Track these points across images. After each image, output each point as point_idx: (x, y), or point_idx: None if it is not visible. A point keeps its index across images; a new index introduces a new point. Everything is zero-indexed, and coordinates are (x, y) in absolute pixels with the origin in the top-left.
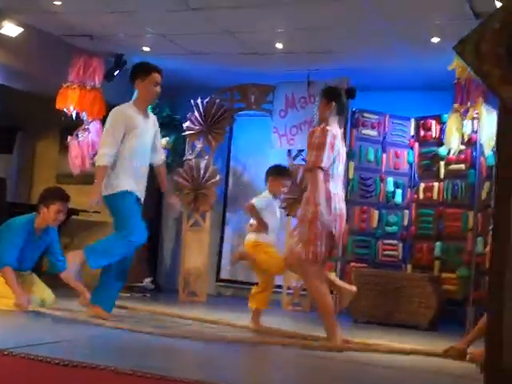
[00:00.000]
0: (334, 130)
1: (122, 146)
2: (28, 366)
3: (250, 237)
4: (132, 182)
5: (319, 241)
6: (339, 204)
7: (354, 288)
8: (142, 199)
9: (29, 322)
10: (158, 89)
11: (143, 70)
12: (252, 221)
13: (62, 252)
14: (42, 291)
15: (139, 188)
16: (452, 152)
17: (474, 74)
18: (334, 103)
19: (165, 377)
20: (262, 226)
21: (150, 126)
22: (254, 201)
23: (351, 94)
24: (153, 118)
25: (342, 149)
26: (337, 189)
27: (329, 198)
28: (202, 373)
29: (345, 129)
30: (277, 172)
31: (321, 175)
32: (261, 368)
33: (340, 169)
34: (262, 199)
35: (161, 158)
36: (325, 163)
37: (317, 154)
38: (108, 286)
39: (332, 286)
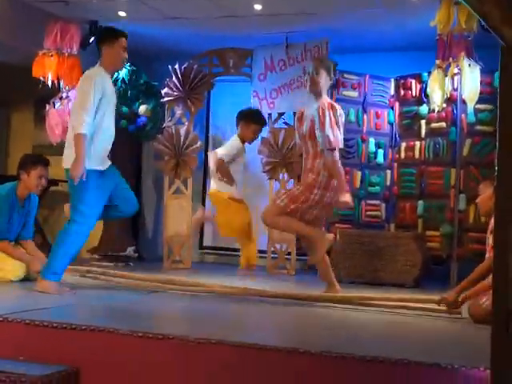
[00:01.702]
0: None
1: (96, 113)
2: (25, 330)
3: (214, 186)
4: (102, 157)
5: (304, 204)
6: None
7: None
8: (108, 164)
9: (20, 290)
10: (126, 54)
11: (110, 35)
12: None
13: (33, 225)
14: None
15: (107, 159)
16: (436, 109)
17: (476, 15)
18: (329, 77)
19: (167, 335)
20: (229, 181)
21: (114, 89)
22: (222, 154)
23: (335, 66)
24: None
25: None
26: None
27: (327, 170)
28: (203, 331)
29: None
30: (249, 117)
31: (337, 154)
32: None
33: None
34: (231, 150)
35: None
36: (340, 143)
37: (332, 134)
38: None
39: (306, 243)
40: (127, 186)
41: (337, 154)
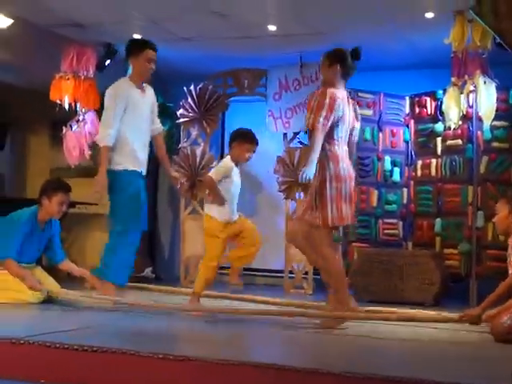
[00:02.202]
0: (338, 93)
1: (124, 123)
2: (45, 353)
3: (207, 211)
4: (132, 159)
5: (329, 205)
6: (346, 164)
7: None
8: (145, 170)
9: (41, 312)
10: (153, 65)
11: (137, 46)
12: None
13: (61, 245)
14: (49, 283)
15: (140, 162)
16: (452, 127)
17: (492, 31)
18: (338, 66)
19: (188, 357)
20: (219, 200)
21: (146, 100)
22: (213, 173)
23: (356, 55)
24: (150, 91)
25: (348, 112)
26: (342, 150)
27: (337, 161)
28: (225, 353)
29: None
30: (242, 136)
31: (319, 136)
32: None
33: (344, 133)
34: (222, 169)
35: (157, 127)
36: (322, 123)
37: (314, 116)
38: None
39: None
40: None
41: (317, 133)
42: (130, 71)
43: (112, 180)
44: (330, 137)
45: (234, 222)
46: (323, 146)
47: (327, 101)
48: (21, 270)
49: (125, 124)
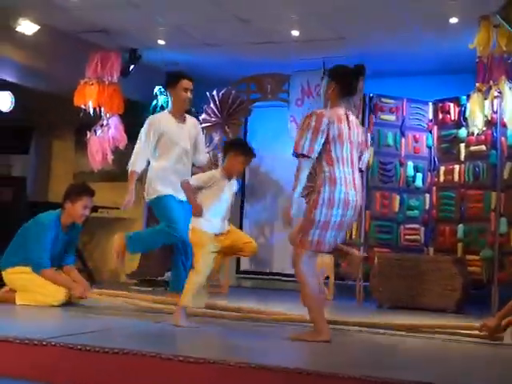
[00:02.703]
0: (330, 112)
1: (158, 152)
2: (67, 354)
3: (191, 223)
4: (170, 187)
5: (312, 230)
6: (347, 188)
7: (360, 253)
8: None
9: (63, 314)
10: (189, 94)
11: (173, 78)
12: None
13: (74, 251)
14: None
15: (179, 190)
16: (476, 132)
17: None
18: (334, 83)
19: (207, 360)
20: (195, 209)
21: (186, 130)
22: (192, 178)
23: (360, 73)
24: (192, 121)
25: (345, 130)
26: (344, 173)
27: (333, 184)
28: (240, 356)
29: (363, 114)
30: (238, 148)
31: (304, 164)
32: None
33: (346, 152)
34: (202, 177)
35: (201, 159)
36: (306, 149)
37: (297, 139)
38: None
39: (339, 253)
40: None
41: (301, 161)
42: (170, 105)
43: (154, 206)
44: (328, 157)
45: (221, 235)
46: (321, 167)
47: (312, 123)
48: (59, 276)
49: (161, 156)
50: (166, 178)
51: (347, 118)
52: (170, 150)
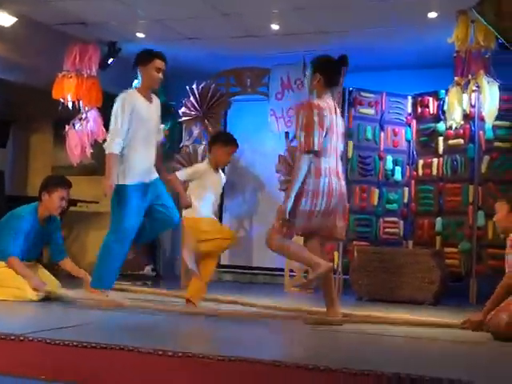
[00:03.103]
0: (323, 102)
1: (129, 132)
2: (45, 349)
3: (184, 214)
4: (139, 171)
5: (297, 218)
6: (330, 178)
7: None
8: (153, 178)
9: (40, 310)
10: (161, 75)
11: (145, 56)
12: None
13: (62, 242)
14: (48, 280)
15: (147, 172)
16: (454, 126)
17: (494, 31)
18: (318, 75)
19: (186, 353)
20: (184, 200)
21: (153, 110)
22: (179, 172)
23: (343, 63)
24: (156, 101)
25: (335, 121)
26: (329, 163)
27: (317, 175)
28: (224, 350)
29: (342, 108)
30: (223, 139)
31: (306, 162)
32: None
33: (333, 142)
34: (189, 171)
35: (158, 137)
36: (316, 146)
37: (307, 137)
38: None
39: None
40: (166, 200)
41: (305, 158)
42: (138, 81)
43: (117, 192)
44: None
45: (208, 226)
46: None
47: (316, 118)
48: (25, 269)
49: (132, 135)
50: (134, 158)
51: (334, 108)
52: (139, 128)
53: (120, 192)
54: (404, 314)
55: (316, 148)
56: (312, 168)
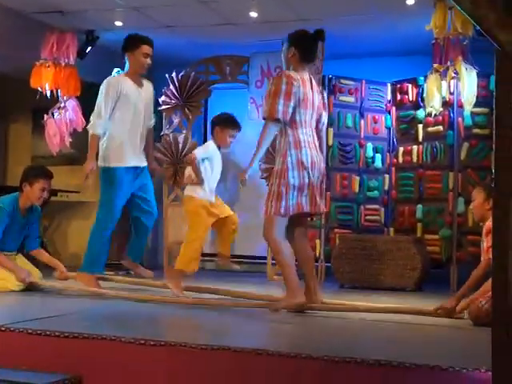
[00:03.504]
0: (297, 75)
1: (116, 115)
2: (27, 339)
3: (187, 192)
4: (126, 154)
5: (289, 193)
6: (310, 151)
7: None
8: (142, 164)
9: (22, 299)
10: (149, 60)
11: (132, 42)
12: (189, 172)
13: (38, 233)
14: (30, 270)
15: (135, 156)
16: (433, 113)
17: (470, 19)
18: (293, 48)
19: (168, 342)
20: (199, 180)
21: (143, 94)
22: (197, 152)
23: (319, 36)
24: (148, 87)
25: (310, 95)
26: (306, 135)
27: (298, 147)
28: (202, 338)
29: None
30: (225, 121)
31: (273, 128)
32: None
33: (308, 115)
34: (206, 150)
35: (149, 123)
36: (280, 113)
37: (271, 103)
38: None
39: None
40: (148, 192)
41: (270, 125)
42: (126, 67)
43: (103, 172)
44: (291, 121)
45: (213, 204)
46: (285, 131)
47: (283, 86)
48: (8, 261)
49: (119, 118)
50: (122, 142)
51: (311, 82)
52: (127, 112)
53: (108, 174)
54: (385, 300)
55: (278, 116)
56: (291, 140)
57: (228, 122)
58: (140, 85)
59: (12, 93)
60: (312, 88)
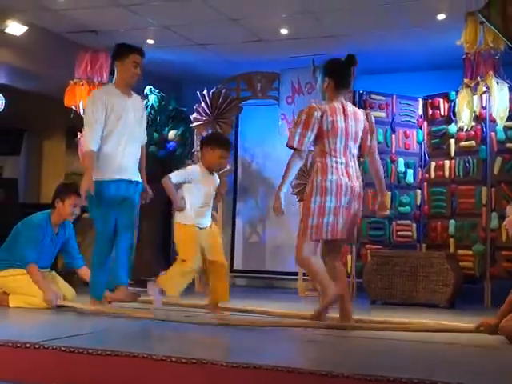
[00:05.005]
0: (326, 105)
1: (104, 128)
2: (60, 357)
3: (176, 219)
4: (117, 167)
5: (310, 218)
6: (338, 176)
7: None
8: (136, 178)
9: (55, 317)
10: (138, 70)
11: (121, 51)
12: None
13: (78, 249)
14: (64, 288)
15: (126, 169)
16: (464, 128)
17: (500, 35)
18: (327, 78)
19: (200, 360)
20: (175, 204)
21: (132, 105)
22: (172, 174)
23: (352, 62)
24: (137, 98)
25: (345, 122)
26: (335, 163)
27: (325, 173)
28: (233, 357)
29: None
30: (215, 142)
31: (294, 158)
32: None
33: (342, 143)
34: (182, 173)
35: (142, 139)
36: (296, 143)
37: (290, 133)
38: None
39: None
40: (127, 217)
41: (292, 154)
42: (115, 76)
43: (94, 186)
44: (320, 149)
45: (205, 229)
46: (314, 159)
47: (303, 118)
48: (42, 280)
49: (107, 130)
50: (112, 156)
51: (343, 109)
52: (115, 124)
53: (96, 189)
54: (419, 317)
55: (294, 145)
56: (319, 167)
57: (218, 143)
58: (128, 95)
59: (47, 111)
60: (346, 115)
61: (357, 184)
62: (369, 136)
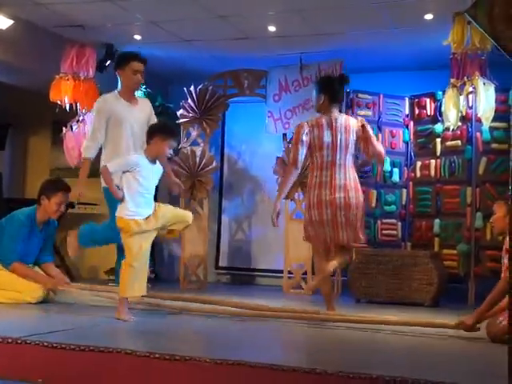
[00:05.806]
0: (315, 121)
1: (109, 135)
2: (43, 352)
3: (116, 213)
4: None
5: (309, 226)
6: (320, 191)
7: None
8: None
9: (38, 312)
10: (139, 76)
11: (122, 59)
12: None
13: (52, 247)
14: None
15: None
16: (451, 127)
17: (487, 35)
18: (322, 95)
19: (183, 357)
20: (114, 194)
21: (137, 112)
22: (109, 165)
23: (344, 80)
24: (143, 103)
25: (332, 136)
26: (322, 177)
27: (313, 188)
28: (221, 352)
29: (340, 111)
30: (164, 131)
31: (288, 176)
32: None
33: (328, 156)
34: (122, 162)
35: None
36: (291, 159)
37: (292, 153)
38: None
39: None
40: None
41: (291, 170)
42: (119, 85)
43: (105, 195)
44: (311, 162)
45: (149, 216)
46: (309, 173)
47: (294, 136)
48: (29, 270)
49: (111, 138)
50: (110, 157)
51: (331, 124)
52: (118, 132)
53: (110, 193)
54: (400, 315)
55: (290, 161)
56: (308, 182)
57: (167, 132)
58: (134, 103)
59: (31, 106)
60: (334, 129)
61: (341, 196)
62: (364, 144)
